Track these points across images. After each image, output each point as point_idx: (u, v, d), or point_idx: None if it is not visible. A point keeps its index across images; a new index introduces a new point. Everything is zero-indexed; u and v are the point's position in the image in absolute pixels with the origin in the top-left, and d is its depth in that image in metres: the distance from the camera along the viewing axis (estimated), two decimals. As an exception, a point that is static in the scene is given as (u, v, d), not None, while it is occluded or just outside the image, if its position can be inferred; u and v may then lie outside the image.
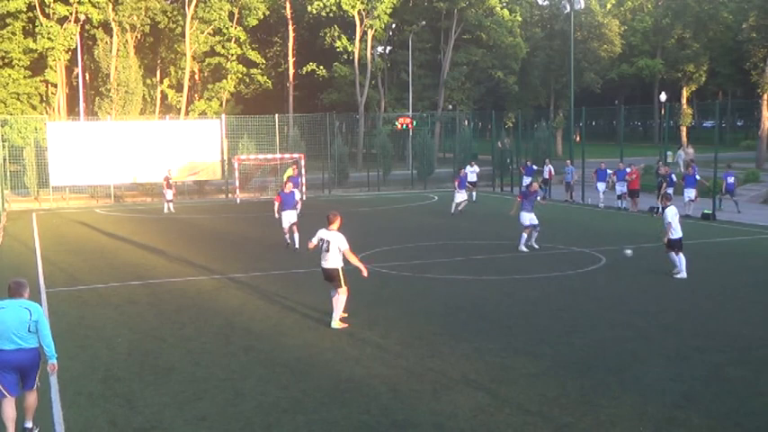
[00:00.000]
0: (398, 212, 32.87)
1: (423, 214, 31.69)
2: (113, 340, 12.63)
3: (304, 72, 62.49)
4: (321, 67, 61.84)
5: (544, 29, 72.66)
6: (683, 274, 16.98)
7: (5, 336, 8.44)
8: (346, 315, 13.52)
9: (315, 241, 13.23)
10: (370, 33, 58.31)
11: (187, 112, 56.11)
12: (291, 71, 62.96)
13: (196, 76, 62.50)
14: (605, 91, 79.84)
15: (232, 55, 58.90)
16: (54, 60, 51.09)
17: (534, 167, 37.40)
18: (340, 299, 13.19)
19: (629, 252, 18.17)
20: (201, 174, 40.01)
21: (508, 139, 47.16)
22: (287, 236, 21.78)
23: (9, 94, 52.17)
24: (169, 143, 39.16)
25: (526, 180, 37.49)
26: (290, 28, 62.38)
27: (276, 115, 43.21)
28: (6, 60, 52.20)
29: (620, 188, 31.88)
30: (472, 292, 16.08)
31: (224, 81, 59.05)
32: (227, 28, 57.65)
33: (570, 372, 10.67)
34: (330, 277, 13.19)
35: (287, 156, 40.70)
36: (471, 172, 38.17)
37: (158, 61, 59.89)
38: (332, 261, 13.09)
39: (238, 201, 37.50)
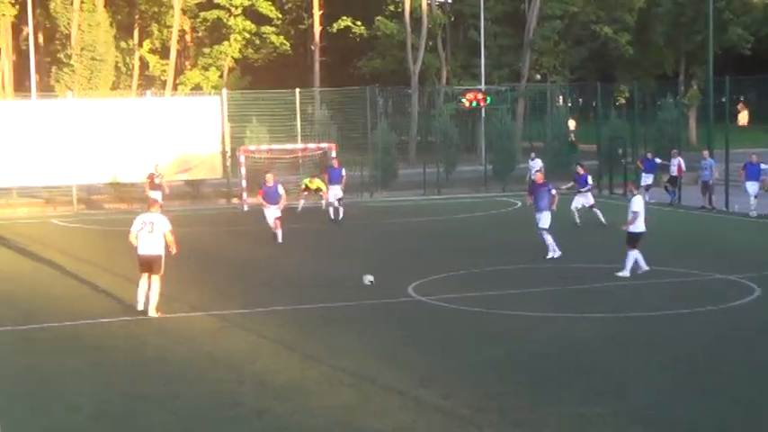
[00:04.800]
0: (466, 224, 32.76)
1: (501, 227, 31.54)
2: (76, 399, 12.77)
3: (335, 30, 62.70)
4: (358, 24, 61.99)
5: (671, -34, 71.96)
6: (626, 273, 20.56)
7: None
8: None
9: (137, 226, 17.22)
10: (426, -25, 58.40)
11: (175, 87, 56.64)
12: (318, 29, 63.18)
13: (187, 37, 63.05)
14: (759, 53, 78.69)
15: (236, 7, 59.26)
16: (-5, 17, 52.02)
17: (657, 161, 37.02)
18: (156, 287, 17.20)
19: (369, 279, 20.16)
20: (194, 171, 40.32)
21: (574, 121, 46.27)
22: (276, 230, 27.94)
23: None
24: (150, 128, 39.49)
25: (647, 178, 37.18)
26: (317, -31, 62.77)
27: (297, 90, 43.34)
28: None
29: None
30: (570, 334, 16.00)
31: (225, 43, 59.45)
32: (230, -30, 58.11)
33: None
34: (150, 264, 17.13)
35: (312, 146, 40.82)
36: (531, 167, 38.38)
37: (136, 17, 60.33)
38: (156, 246, 17.25)
39: (246, 208, 37.66)
